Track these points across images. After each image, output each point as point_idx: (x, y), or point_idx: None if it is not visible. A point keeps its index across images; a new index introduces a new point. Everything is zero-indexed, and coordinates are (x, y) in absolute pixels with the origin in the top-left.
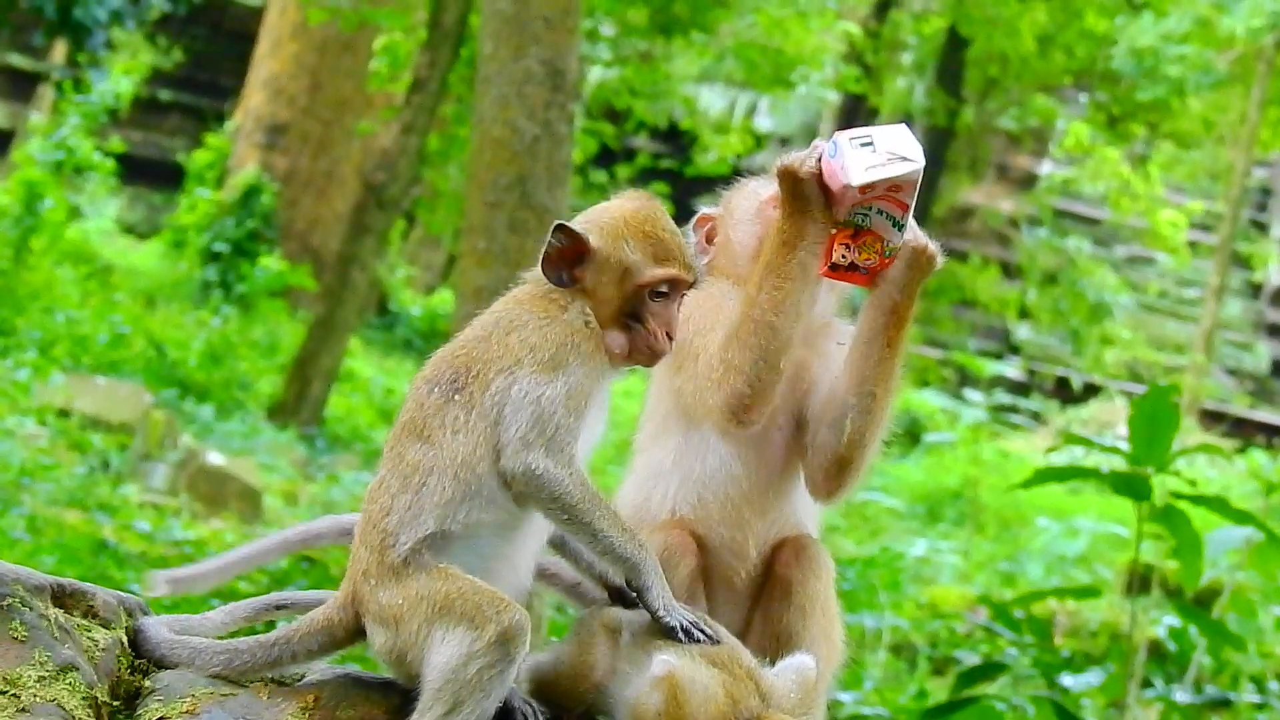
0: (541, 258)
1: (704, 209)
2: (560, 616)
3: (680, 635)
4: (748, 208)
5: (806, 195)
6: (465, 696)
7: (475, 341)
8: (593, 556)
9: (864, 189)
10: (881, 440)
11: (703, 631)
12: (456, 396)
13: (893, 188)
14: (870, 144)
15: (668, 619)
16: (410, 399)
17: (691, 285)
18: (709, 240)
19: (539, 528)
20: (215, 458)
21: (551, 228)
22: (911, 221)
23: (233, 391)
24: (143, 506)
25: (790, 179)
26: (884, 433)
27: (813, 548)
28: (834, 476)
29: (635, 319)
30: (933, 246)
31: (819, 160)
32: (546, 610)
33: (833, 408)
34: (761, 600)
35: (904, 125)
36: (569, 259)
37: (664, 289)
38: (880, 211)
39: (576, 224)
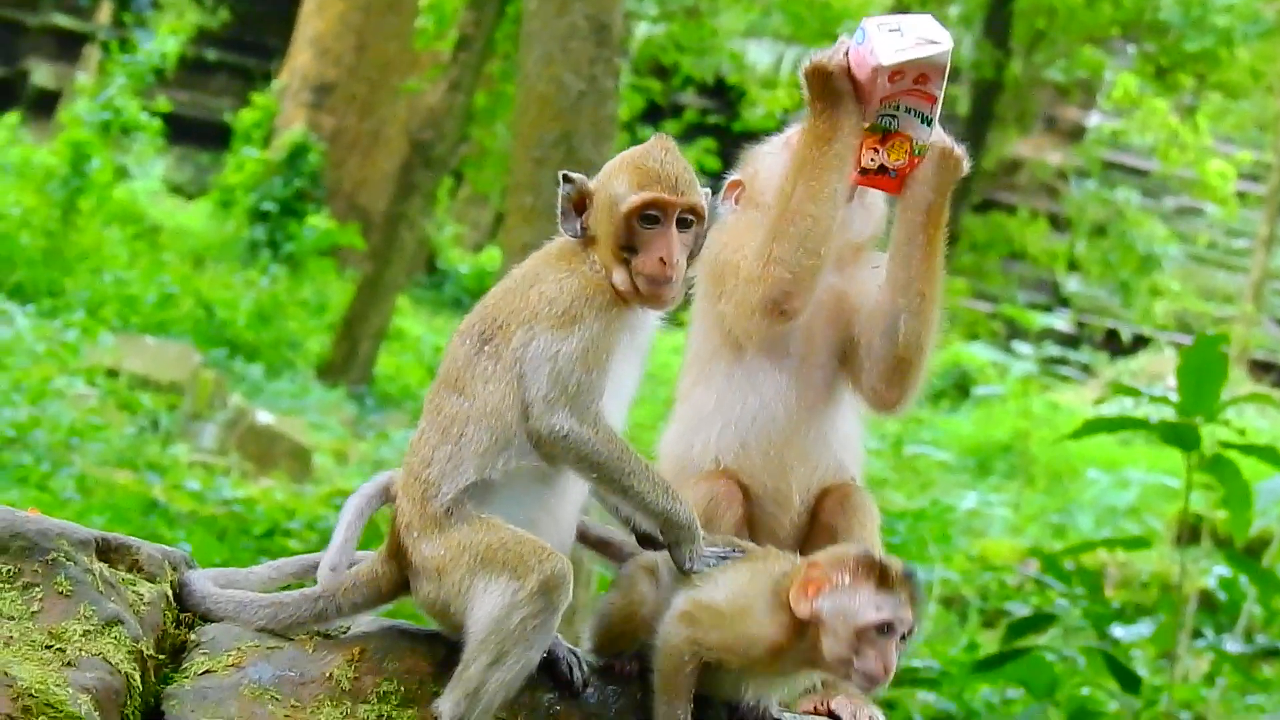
0: (559, 211)
1: (731, 175)
2: (609, 572)
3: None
4: (771, 149)
5: (837, 90)
6: (510, 647)
7: (503, 294)
8: (627, 510)
9: (894, 74)
10: (935, 344)
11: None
12: (485, 348)
13: (920, 78)
14: (898, 29)
15: (690, 567)
16: (447, 352)
17: (688, 210)
18: (738, 203)
19: (580, 481)
20: (265, 417)
21: (560, 179)
22: (938, 126)
23: (282, 351)
24: (192, 466)
25: (820, 76)
26: (937, 335)
27: (857, 495)
28: (895, 383)
29: (631, 251)
30: (959, 149)
31: (846, 54)
32: (596, 566)
33: (882, 316)
34: (807, 549)
35: (930, 15)
36: (579, 208)
37: (653, 214)
38: (908, 110)
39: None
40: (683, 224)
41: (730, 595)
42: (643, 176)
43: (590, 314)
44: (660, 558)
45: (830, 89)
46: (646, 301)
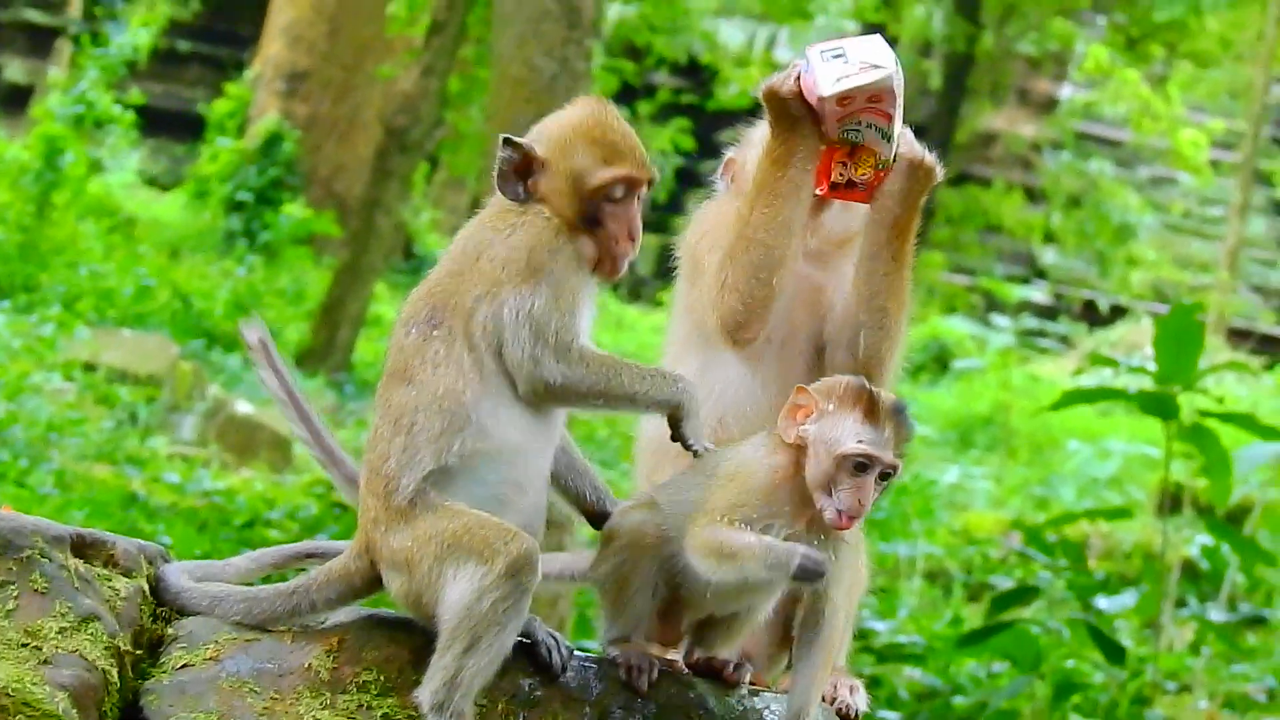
0: (495, 174)
1: (728, 152)
2: None
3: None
4: (761, 136)
5: (792, 114)
6: (482, 631)
7: (446, 276)
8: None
9: (841, 100)
10: (899, 357)
11: None
12: (435, 332)
13: (873, 98)
14: (841, 55)
15: (695, 446)
16: (390, 345)
17: (648, 183)
18: (734, 181)
19: (541, 449)
20: (244, 407)
21: (499, 143)
22: (909, 134)
23: None
24: (172, 458)
25: (774, 99)
26: (900, 349)
27: None
28: None
29: (596, 223)
30: (930, 158)
31: (798, 78)
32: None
33: (846, 328)
34: None
35: (877, 35)
36: (521, 172)
37: (619, 190)
38: (870, 125)
39: (524, 138)
40: (640, 196)
41: (728, 466)
42: (609, 151)
43: (549, 259)
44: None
45: (786, 113)
46: (603, 271)
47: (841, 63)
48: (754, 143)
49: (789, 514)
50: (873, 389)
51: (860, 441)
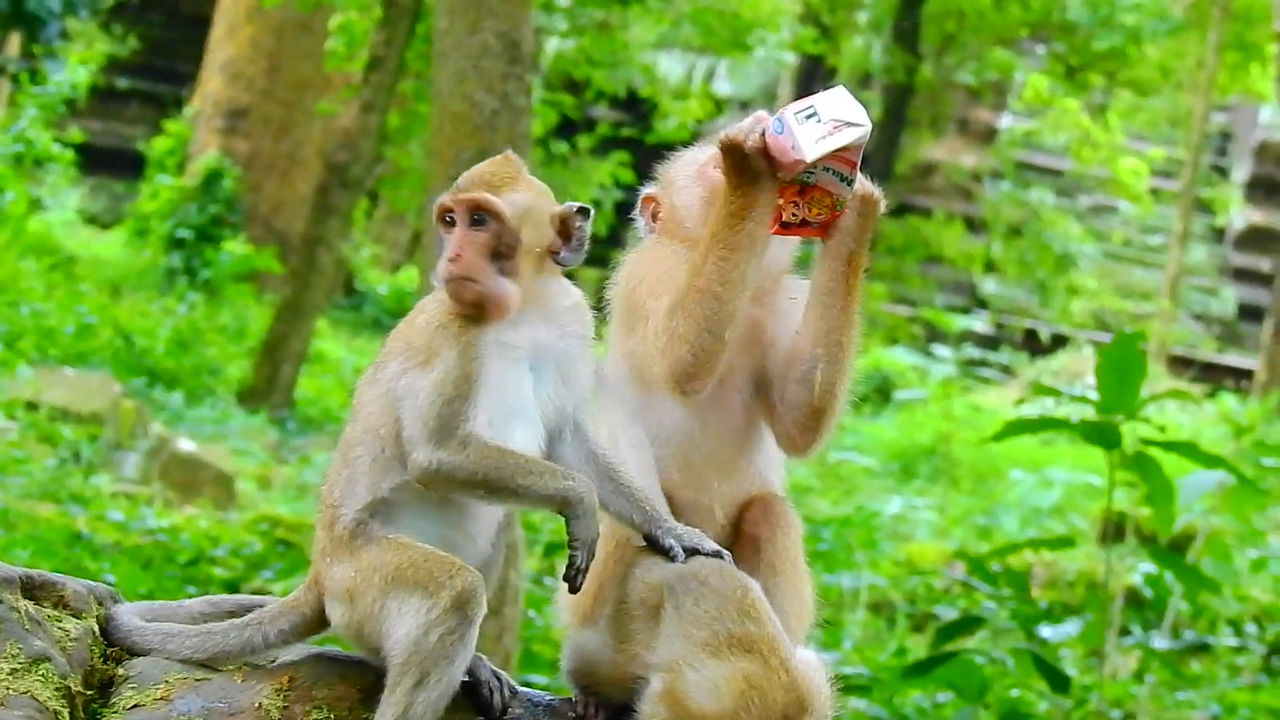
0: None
1: (645, 189)
2: (538, 590)
3: (575, 569)
4: (687, 173)
5: (753, 168)
6: (430, 666)
7: (401, 322)
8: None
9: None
10: (850, 389)
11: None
12: (377, 375)
13: (840, 150)
14: (814, 114)
15: (580, 554)
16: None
17: (466, 205)
18: (654, 218)
19: (488, 507)
20: (186, 445)
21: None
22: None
23: (202, 378)
24: (115, 496)
25: (735, 152)
26: (851, 380)
27: (779, 505)
28: (809, 429)
29: None
30: (877, 192)
31: (763, 135)
32: (524, 583)
33: (799, 362)
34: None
35: (842, 88)
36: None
37: (448, 218)
38: (829, 170)
39: None
40: (477, 223)
41: (720, 707)
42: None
43: (444, 343)
44: (665, 586)
45: (745, 166)
46: (465, 308)
47: (815, 122)
48: (675, 182)
49: None
50: None
51: None
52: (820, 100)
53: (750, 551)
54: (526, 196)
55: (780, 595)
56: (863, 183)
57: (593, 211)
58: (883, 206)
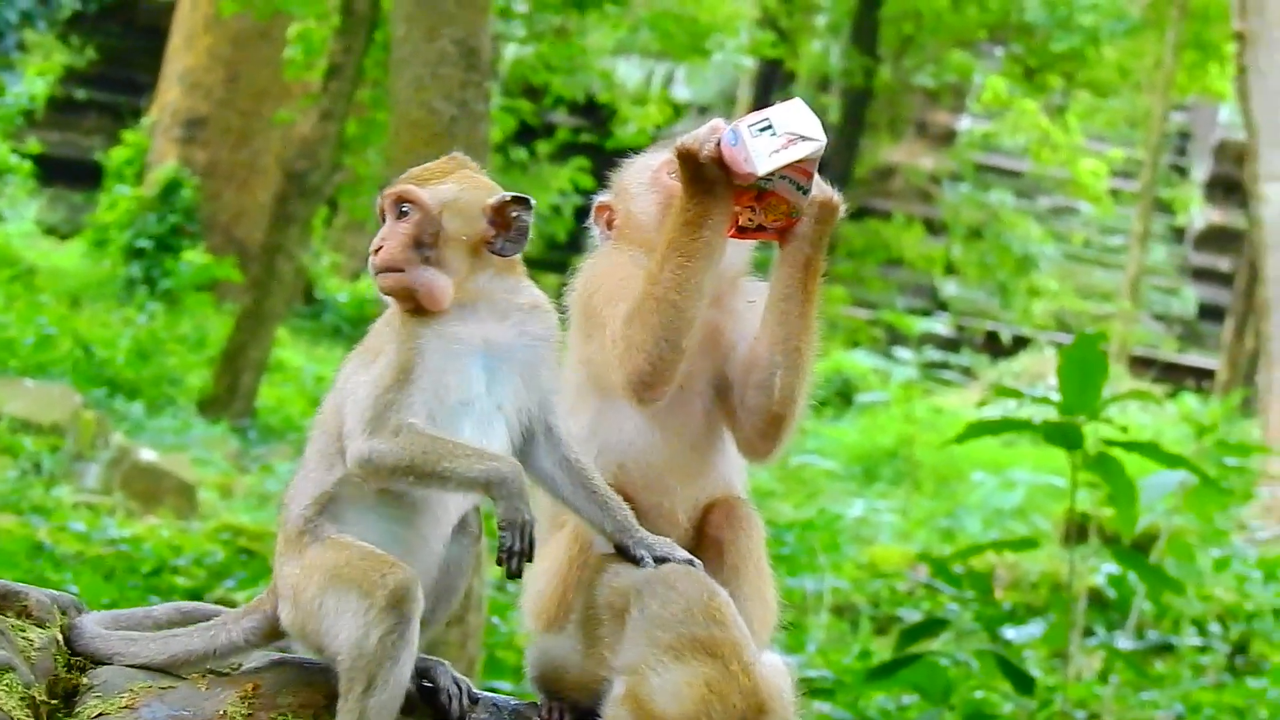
0: None
1: (599, 198)
2: (501, 596)
3: (508, 552)
4: (641, 180)
5: (708, 177)
6: (376, 670)
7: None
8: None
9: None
10: (809, 394)
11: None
12: (336, 378)
13: (795, 162)
14: (769, 127)
15: (509, 535)
16: None
17: (393, 198)
18: (609, 226)
19: (440, 503)
20: (148, 455)
21: None
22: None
23: (162, 388)
24: (77, 507)
25: (691, 161)
26: (811, 386)
27: (742, 508)
28: (769, 435)
29: None
30: (836, 197)
31: (719, 144)
32: (487, 590)
33: (758, 368)
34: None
35: (799, 100)
36: None
37: (383, 214)
38: (784, 178)
39: None
40: (402, 215)
41: (682, 710)
42: None
43: (388, 338)
44: (631, 590)
45: (701, 175)
46: (395, 299)
47: (770, 135)
48: (629, 189)
49: None
50: None
51: None
52: (776, 113)
53: (713, 554)
54: (453, 188)
55: (744, 597)
56: (821, 188)
57: (533, 202)
58: (841, 211)
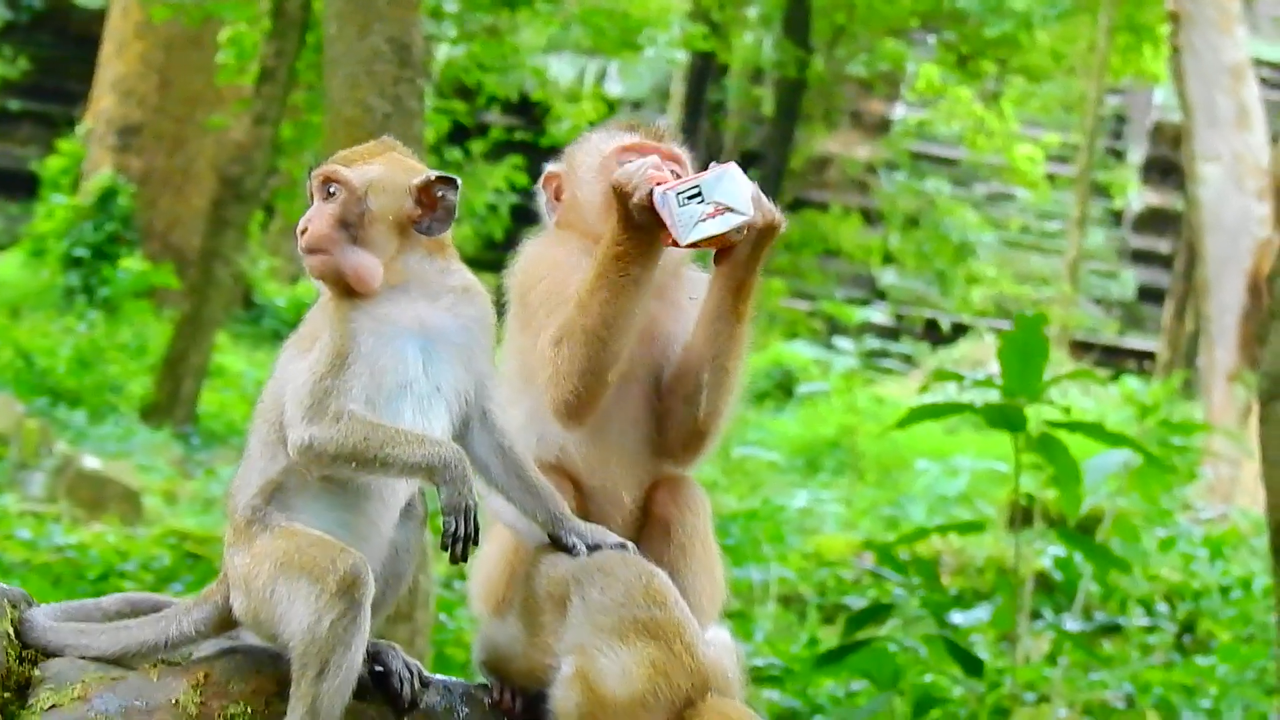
0: None
1: (550, 166)
2: (449, 593)
3: (452, 537)
4: (591, 164)
5: (638, 218)
6: (329, 655)
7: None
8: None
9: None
10: (734, 408)
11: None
12: (273, 369)
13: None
14: (698, 194)
15: (453, 520)
16: None
17: (320, 179)
18: (557, 197)
19: (388, 487)
20: (92, 462)
21: None
22: (758, 193)
23: (104, 395)
24: (22, 515)
25: (623, 199)
26: (737, 399)
27: (687, 486)
28: (691, 447)
29: None
30: (777, 217)
31: (649, 195)
32: (435, 587)
33: (686, 382)
34: (642, 540)
35: (734, 166)
36: None
37: (313, 193)
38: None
39: None
40: (329, 196)
41: (624, 691)
42: None
43: (323, 324)
44: (570, 579)
45: (631, 217)
46: (325, 282)
47: (698, 203)
48: (578, 171)
49: None
50: None
51: None
52: (708, 180)
53: (660, 533)
54: (380, 168)
55: (692, 575)
56: (763, 207)
57: (459, 181)
58: (783, 228)
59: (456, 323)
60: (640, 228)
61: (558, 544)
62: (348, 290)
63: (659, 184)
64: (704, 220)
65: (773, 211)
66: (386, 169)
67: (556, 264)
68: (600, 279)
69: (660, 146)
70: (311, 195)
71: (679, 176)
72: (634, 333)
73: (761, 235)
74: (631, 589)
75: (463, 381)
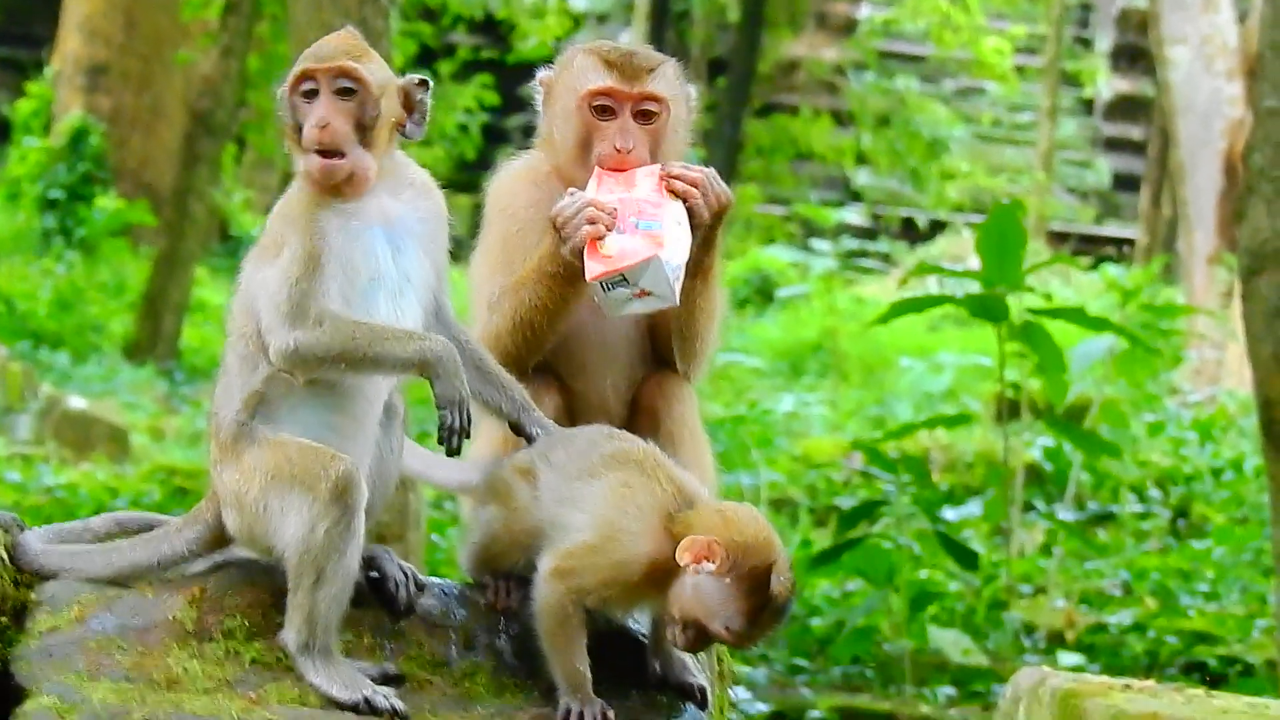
0: None
1: (541, 72)
2: (438, 513)
3: (449, 430)
4: (566, 105)
5: (569, 258)
6: (324, 561)
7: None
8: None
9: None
10: (714, 349)
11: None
12: (236, 284)
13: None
14: (623, 281)
15: (449, 413)
16: None
17: (332, 73)
18: (547, 101)
19: (371, 384)
20: (77, 402)
21: None
22: (713, 174)
23: (86, 336)
24: (10, 458)
25: (559, 234)
26: (715, 346)
27: (673, 379)
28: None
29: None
30: (726, 196)
31: (583, 251)
32: (425, 507)
33: (661, 344)
34: (631, 428)
35: (657, 259)
36: None
37: (309, 88)
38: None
39: None
40: (343, 93)
41: (598, 524)
42: (296, 57)
43: (289, 230)
44: (534, 456)
45: (563, 253)
46: (325, 187)
47: (623, 288)
48: (559, 99)
49: (652, 600)
50: (775, 588)
51: (730, 627)
52: (635, 270)
53: (648, 423)
54: (382, 69)
55: (680, 464)
56: (719, 191)
57: (431, 83)
58: (732, 207)
59: (416, 215)
60: (572, 264)
61: (519, 432)
62: (334, 191)
63: (595, 237)
64: (630, 301)
65: (725, 193)
66: (386, 72)
67: (529, 203)
68: (539, 274)
69: (632, 91)
70: (303, 90)
71: (617, 212)
72: (561, 329)
73: (715, 218)
74: (594, 436)
75: (427, 272)
